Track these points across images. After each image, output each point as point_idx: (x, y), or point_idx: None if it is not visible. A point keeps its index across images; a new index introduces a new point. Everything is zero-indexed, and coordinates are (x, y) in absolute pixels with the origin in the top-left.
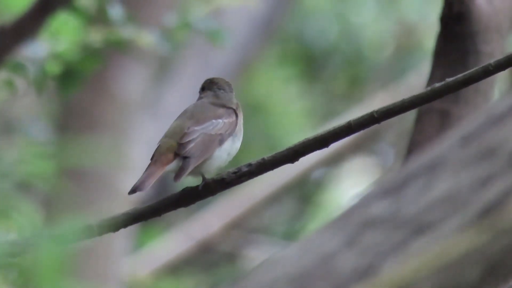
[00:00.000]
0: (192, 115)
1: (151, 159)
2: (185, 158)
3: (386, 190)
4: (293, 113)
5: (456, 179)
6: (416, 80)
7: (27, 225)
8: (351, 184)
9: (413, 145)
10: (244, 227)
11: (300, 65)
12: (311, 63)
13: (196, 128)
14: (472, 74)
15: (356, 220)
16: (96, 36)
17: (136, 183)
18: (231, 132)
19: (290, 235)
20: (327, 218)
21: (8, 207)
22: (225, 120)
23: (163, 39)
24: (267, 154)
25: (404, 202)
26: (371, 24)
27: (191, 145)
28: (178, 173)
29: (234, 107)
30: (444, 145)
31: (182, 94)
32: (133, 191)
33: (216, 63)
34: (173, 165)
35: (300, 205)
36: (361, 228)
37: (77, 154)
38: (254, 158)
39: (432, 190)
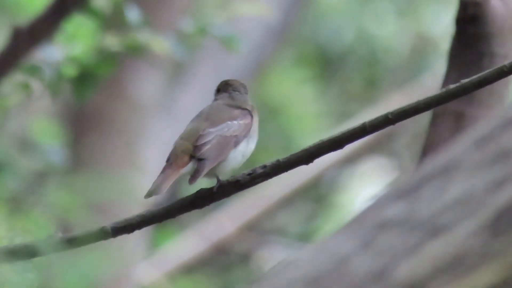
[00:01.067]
0: (207, 117)
1: (166, 161)
2: (200, 160)
3: (400, 192)
4: (309, 114)
5: (471, 181)
6: (431, 82)
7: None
8: (366, 185)
9: (428, 147)
10: (258, 229)
11: (315, 67)
12: (326, 64)
13: (211, 130)
14: (487, 75)
15: (371, 222)
16: (112, 40)
17: (152, 186)
18: (246, 134)
19: (304, 237)
20: (342, 220)
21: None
22: (240, 122)
23: (178, 45)
24: (282, 156)
25: (419, 204)
26: (387, 27)
27: (207, 147)
28: (193, 176)
29: (249, 109)
30: (459, 147)
31: (196, 96)
32: (149, 194)
33: (231, 65)
34: (189, 167)
35: (314, 206)
36: (375, 230)
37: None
38: (269, 159)
39: (447, 193)
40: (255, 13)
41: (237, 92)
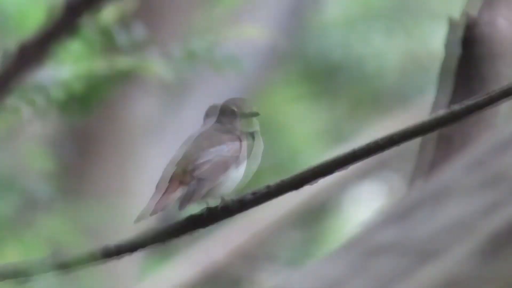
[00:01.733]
0: (208, 137)
1: (156, 187)
2: (199, 180)
3: (392, 217)
4: (311, 132)
5: (462, 206)
6: (425, 103)
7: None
8: (358, 210)
9: (419, 171)
10: (249, 254)
11: (307, 86)
12: (319, 83)
13: (211, 149)
14: (492, 96)
15: (363, 247)
16: (101, 65)
17: (142, 211)
18: (247, 155)
19: (296, 262)
20: (334, 245)
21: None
22: (242, 143)
23: (168, 69)
24: (275, 177)
25: (411, 229)
26: (377, 46)
27: (205, 167)
28: (191, 197)
29: (238, 134)
30: (450, 172)
31: (191, 119)
32: (138, 219)
33: (225, 88)
34: (178, 193)
35: (306, 231)
36: (367, 255)
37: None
38: (271, 178)
39: (439, 218)
40: (248, 36)
41: (226, 117)
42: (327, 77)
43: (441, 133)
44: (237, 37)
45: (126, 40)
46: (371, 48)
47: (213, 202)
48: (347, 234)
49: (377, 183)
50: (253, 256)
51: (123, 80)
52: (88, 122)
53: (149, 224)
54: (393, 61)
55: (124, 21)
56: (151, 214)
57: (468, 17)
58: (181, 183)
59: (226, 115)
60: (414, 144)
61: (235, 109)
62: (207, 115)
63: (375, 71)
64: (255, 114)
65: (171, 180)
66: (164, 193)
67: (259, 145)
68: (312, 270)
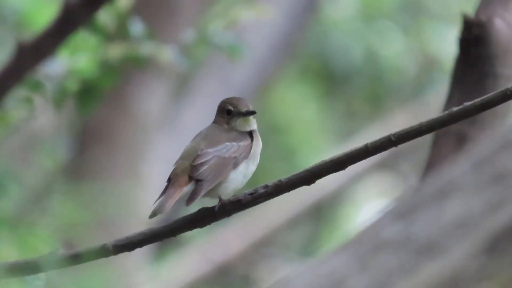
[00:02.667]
0: (205, 138)
1: (168, 181)
2: (198, 181)
3: (398, 214)
4: (312, 131)
5: (468, 203)
6: (435, 101)
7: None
8: (370, 204)
9: (430, 167)
10: (261, 248)
11: (320, 84)
12: (331, 81)
13: (209, 150)
14: (490, 98)
15: (368, 242)
16: (114, 53)
17: (156, 206)
18: (246, 155)
19: (307, 255)
20: (341, 239)
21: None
22: (240, 143)
23: (181, 56)
24: (285, 175)
25: (416, 225)
26: (392, 45)
27: (204, 167)
28: (191, 196)
29: (236, 134)
30: (457, 169)
31: (200, 112)
32: (153, 214)
33: (235, 81)
34: (190, 186)
35: (317, 225)
36: (373, 251)
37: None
38: (272, 178)
39: (444, 214)
40: (256, 16)
41: (222, 117)
42: (341, 76)
43: (453, 130)
44: (248, 25)
45: (139, 30)
46: (386, 48)
47: (225, 196)
48: (354, 230)
49: (391, 175)
50: (265, 250)
51: (136, 68)
52: (102, 114)
53: (161, 216)
54: (408, 61)
55: (137, 12)
56: (165, 208)
57: (465, 18)
58: (181, 184)
59: (223, 115)
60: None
61: (232, 108)
62: (220, 110)
63: (390, 70)
64: (252, 113)
65: (181, 174)
66: (176, 187)
67: (258, 144)
68: (318, 264)
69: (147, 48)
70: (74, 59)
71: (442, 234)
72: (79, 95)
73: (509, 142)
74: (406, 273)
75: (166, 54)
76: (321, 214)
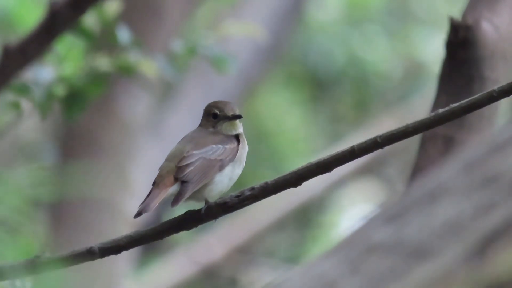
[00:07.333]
0: (192, 140)
1: (153, 184)
2: (183, 182)
3: (388, 216)
4: (298, 137)
5: (459, 206)
6: (422, 104)
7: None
8: (355, 208)
9: (417, 170)
10: (247, 252)
11: (305, 89)
12: (316, 86)
13: (195, 152)
14: (476, 100)
15: (359, 246)
16: (102, 61)
17: (141, 206)
18: (232, 158)
19: (293, 259)
20: (330, 243)
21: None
22: (226, 146)
23: (168, 65)
24: (270, 178)
25: (407, 228)
26: (377, 50)
27: (189, 169)
28: (176, 198)
29: (222, 137)
30: (447, 172)
31: (186, 117)
32: (138, 214)
33: (220, 86)
34: (175, 188)
35: (303, 229)
36: (363, 254)
37: (81, 180)
38: (258, 182)
39: (435, 217)
40: (244, 33)
41: (208, 120)
42: (326, 81)
43: (441, 133)
44: (234, 35)
45: (126, 37)
46: (371, 52)
47: (211, 199)
48: (344, 233)
49: (377, 180)
50: (251, 253)
51: (122, 76)
52: (87, 119)
53: (147, 218)
54: (393, 64)
55: (123, 18)
56: (150, 208)
57: (452, 21)
58: (167, 185)
59: (209, 118)
60: (415, 142)
61: (218, 112)
62: (205, 113)
63: (375, 74)
64: (238, 117)
65: (166, 175)
66: (161, 188)
67: (244, 148)
68: (308, 268)
69: (133, 57)
70: (61, 66)
71: (433, 237)
72: (66, 101)
73: (498, 145)
74: (397, 276)
75: (153, 65)
76: (306, 219)
